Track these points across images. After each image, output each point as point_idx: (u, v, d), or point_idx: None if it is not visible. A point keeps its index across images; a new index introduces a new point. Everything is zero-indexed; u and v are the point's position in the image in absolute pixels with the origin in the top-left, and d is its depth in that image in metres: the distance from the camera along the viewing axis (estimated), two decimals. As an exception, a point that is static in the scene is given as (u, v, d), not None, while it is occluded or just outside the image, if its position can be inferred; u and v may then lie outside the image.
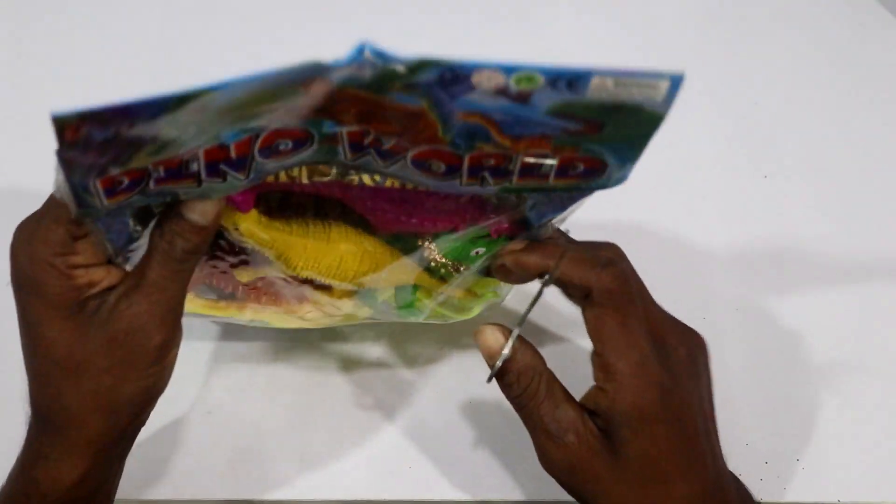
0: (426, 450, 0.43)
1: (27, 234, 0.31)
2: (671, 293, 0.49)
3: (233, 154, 0.30)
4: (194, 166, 0.30)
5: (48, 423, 0.32)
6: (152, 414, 0.42)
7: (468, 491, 0.42)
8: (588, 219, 0.51)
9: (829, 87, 0.60)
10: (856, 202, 0.54)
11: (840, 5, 0.65)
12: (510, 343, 0.35)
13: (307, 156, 0.32)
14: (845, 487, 0.43)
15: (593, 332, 0.33)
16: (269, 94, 0.27)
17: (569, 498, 0.42)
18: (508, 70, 0.27)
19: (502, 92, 0.28)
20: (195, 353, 0.46)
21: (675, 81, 0.28)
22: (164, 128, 0.27)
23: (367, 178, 0.35)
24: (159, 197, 0.31)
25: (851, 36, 0.64)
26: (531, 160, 0.32)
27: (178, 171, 0.30)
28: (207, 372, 0.45)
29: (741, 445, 0.44)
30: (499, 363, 0.34)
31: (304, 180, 0.34)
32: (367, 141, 0.32)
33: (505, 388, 0.35)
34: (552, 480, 0.43)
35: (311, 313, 0.41)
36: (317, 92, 0.28)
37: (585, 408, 0.34)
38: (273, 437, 0.43)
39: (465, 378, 0.46)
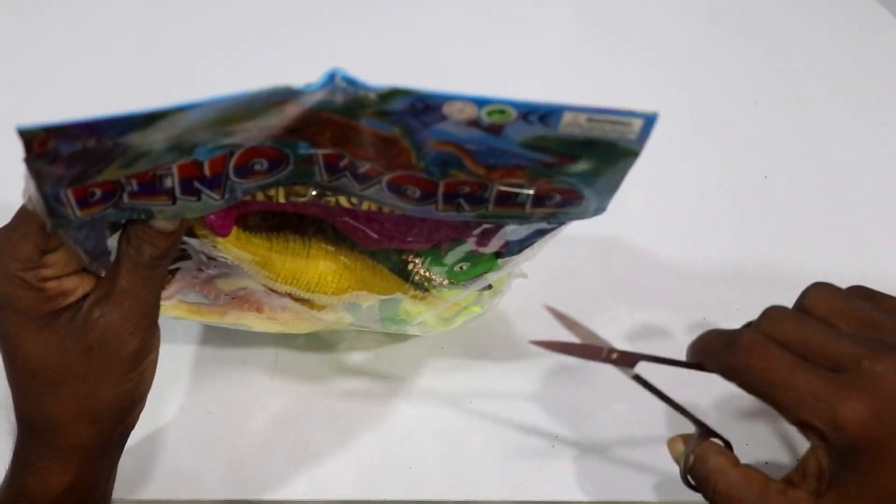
0: (426, 450, 0.43)
1: None
2: (672, 294, 0.49)
3: (207, 172, 0.30)
4: (168, 182, 0.30)
5: (33, 432, 0.32)
6: (153, 414, 0.43)
7: (468, 491, 0.42)
8: (588, 221, 0.52)
9: (828, 87, 0.60)
10: (856, 202, 0.54)
11: (840, 5, 0.65)
12: (688, 452, 0.35)
13: (283, 177, 0.32)
14: (845, 487, 0.43)
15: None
16: (242, 113, 0.27)
17: (564, 498, 0.42)
18: (480, 102, 0.27)
19: (474, 123, 0.27)
20: (195, 355, 0.46)
21: (649, 121, 0.27)
22: (135, 141, 0.26)
23: (343, 200, 0.34)
24: (133, 212, 0.31)
25: (851, 36, 0.64)
26: (507, 189, 0.32)
27: (152, 185, 0.30)
28: (207, 372, 0.45)
29: (741, 445, 0.44)
30: (681, 470, 0.35)
31: (281, 200, 0.34)
32: (342, 164, 0.31)
33: (700, 492, 0.34)
34: (551, 481, 0.43)
35: (293, 320, 0.41)
36: (290, 112, 0.27)
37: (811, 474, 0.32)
38: (273, 437, 0.43)
39: (465, 378, 0.46)
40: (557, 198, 0.32)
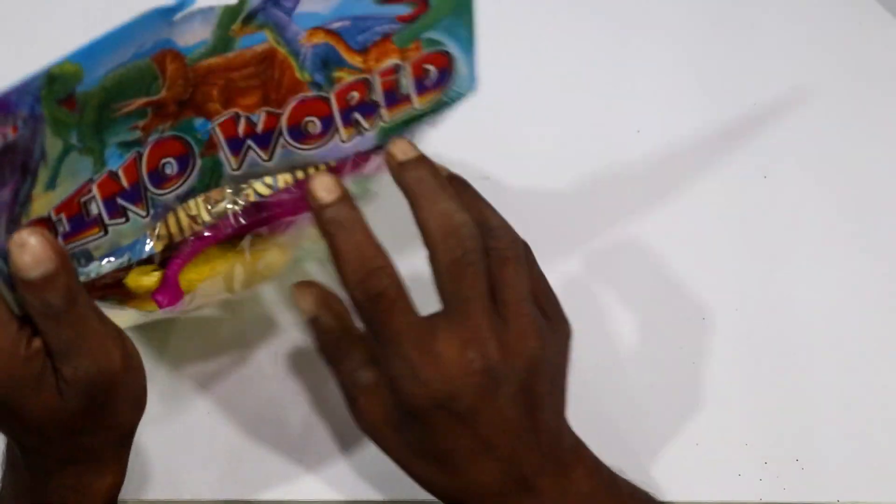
0: (426, 450, 0.43)
1: None
2: (671, 294, 0.49)
3: (125, 183, 0.30)
4: (94, 208, 0.30)
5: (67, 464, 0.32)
6: (153, 414, 0.43)
7: (468, 491, 0.42)
8: (588, 222, 0.52)
9: (828, 87, 0.60)
10: (856, 202, 0.54)
11: (840, 5, 0.65)
12: (312, 305, 0.35)
13: (195, 179, 0.33)
14: (845, 487, 0.43)
15: None
16: (130, 76, 0.27)
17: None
18: None
19: None
20: (195, 355, 0.46)
21: None
22: (49, 138, 0.26)
23: (260, 186, 0.35)
24: (73, 262, 0.30)
25: (851, 36, 0.64)
26: (388, 77, 0.34)
27: (81, 218, 0.30)
28: (207, 372, 0.45)
29: (741, 445, 0.44)
30: (306, 322, 0.35)
31: (205, 217, 0.34)
32: (240, 130, 0.32)
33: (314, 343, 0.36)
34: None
35: None
36: (171, 71, 0.28)
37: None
38: (273, 437, 0.43)
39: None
40: (433, 71, 0.35)
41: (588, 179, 0.53)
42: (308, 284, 0.36)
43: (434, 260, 0.32)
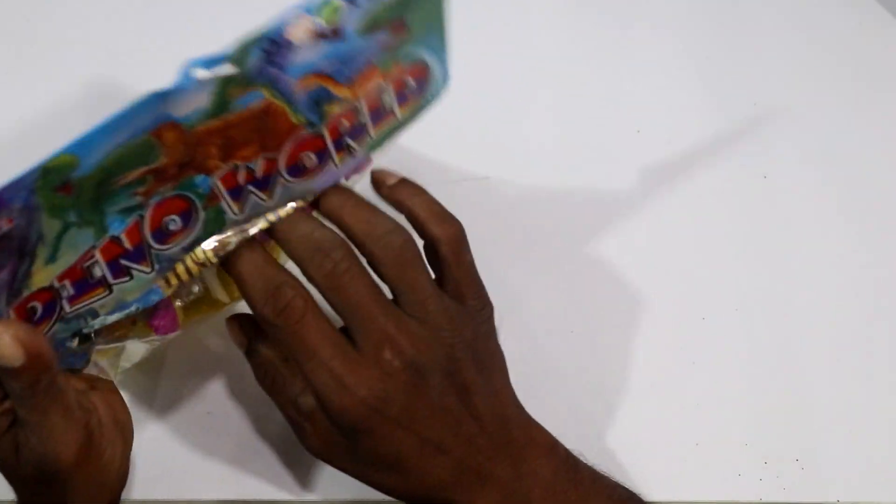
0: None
1: None
2: (671, 293, 0.49)
3: (128, 245, 0.30)
4: (97, 271, 0.30)
5: None
6: (153, 414, 0.43)
7: (468, 491, 0.42)
8: (588, 221, 0.52)
9: (828, 87, 0.60)
10: (856, 202, 0.54)
11: (840, 5, 0.65)
12: (245, 336, 0.36)
13: (200, 230, 0.32)
14: (845, 487, 0.43)
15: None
16: (128, 153, 0.27)
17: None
18: (309, 9, 0.29)
19: (319, 35, 0.30)
20: (195, 355, 0.46)
21: None
22: (46, 221, 0.26)
23: (262, 223, 0.35)
24: (80, 321, 0.31)
25: (851, 36, 0.64)
26: (374, 100, 0.34)
27: (85, 281, 0.30)
28: (207, 372, 0.45)
29: (740, 445, 0.44)
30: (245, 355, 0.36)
31: (214, 260, 0.34)
32: (240, 179, 0.32)
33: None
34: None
35: None
36: (170, 140, 0.28)
37: None
38: (273, 437, 0.43)
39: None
40: (412, 82, 0.35)
41: (588, 179, 0.53)
42: (239, 317, 0.36)
43: (311, 280, 0.32)
